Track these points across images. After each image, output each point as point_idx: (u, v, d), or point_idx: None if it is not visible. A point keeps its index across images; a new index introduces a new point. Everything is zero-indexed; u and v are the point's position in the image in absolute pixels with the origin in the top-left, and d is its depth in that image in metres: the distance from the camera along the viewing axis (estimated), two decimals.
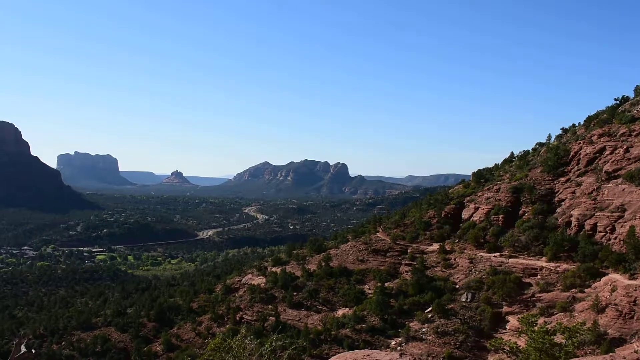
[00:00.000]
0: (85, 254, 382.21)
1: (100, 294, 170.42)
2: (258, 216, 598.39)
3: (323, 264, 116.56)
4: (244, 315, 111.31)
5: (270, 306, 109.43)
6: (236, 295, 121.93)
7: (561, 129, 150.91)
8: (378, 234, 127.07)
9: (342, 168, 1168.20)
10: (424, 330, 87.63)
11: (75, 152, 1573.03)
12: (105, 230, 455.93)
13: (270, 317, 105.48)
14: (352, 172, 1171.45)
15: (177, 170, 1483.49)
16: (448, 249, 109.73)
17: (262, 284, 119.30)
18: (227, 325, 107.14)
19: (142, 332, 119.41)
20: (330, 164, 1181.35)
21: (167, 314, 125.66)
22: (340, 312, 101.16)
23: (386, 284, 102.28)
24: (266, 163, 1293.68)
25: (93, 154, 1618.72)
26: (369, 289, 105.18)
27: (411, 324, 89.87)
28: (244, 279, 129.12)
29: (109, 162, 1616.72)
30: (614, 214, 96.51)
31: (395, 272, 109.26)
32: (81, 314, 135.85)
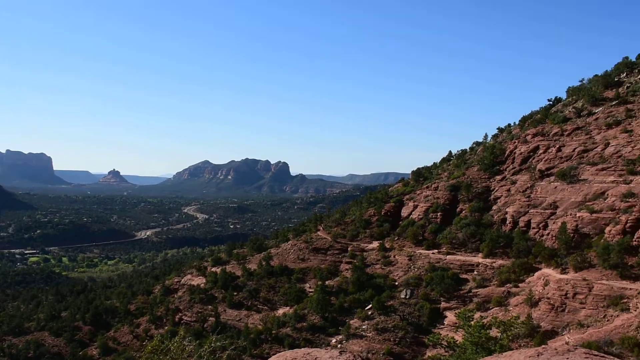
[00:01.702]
0: (17, 256, 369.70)
1: (33, 298, 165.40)
2: (198, 216, 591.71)
3: (264, 263, 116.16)
4: (183, 317, 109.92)
5: (210, 307, 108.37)
6: (175, 296, 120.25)
7: (497, 128, 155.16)
8: (319, 233, 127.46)
9: (283, 167, 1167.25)
10: (364, 327, 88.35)
11: (7, 151, 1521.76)
12: (38, 232, 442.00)
13: (210, 318, 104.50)
14: (293, 171, 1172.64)
15: (114, 169, 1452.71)
16: (388, 246, 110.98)
17: (202, 285, 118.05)
18: (166, 327, 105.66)
19: (78, 336, 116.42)
20: (272, 162, 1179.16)
21: (104, 316, 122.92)
22: (281, 311, 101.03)
23: (327, 282, 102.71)
24: (206, 162, 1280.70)
25: (26, 152, 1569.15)
26: (310, 287, 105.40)
27: (351, 322, 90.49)
28: (183, 280, 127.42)
29: (42, 161, 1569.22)
30: (546, 211, 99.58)
31: (336, 270, 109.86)
32: (13, 318, 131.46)
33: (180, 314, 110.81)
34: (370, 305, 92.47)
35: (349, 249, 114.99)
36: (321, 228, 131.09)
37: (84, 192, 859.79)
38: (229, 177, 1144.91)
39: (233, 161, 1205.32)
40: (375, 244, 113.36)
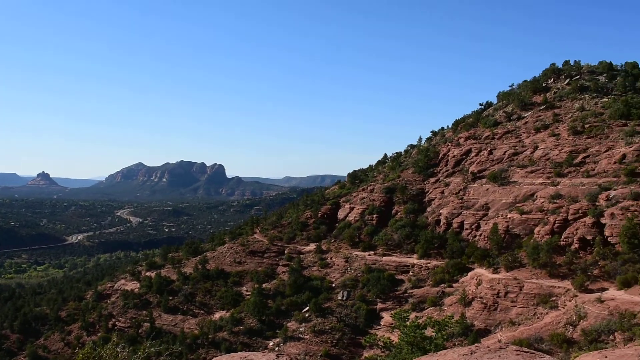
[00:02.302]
0: None
1: None
2: (131, 219, 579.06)
3: (199, 266, 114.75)
4: (116, 323, 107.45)
5: (144, 312, 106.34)
6: (108, 301, 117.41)
7: (431, 131, 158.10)
8: (255, 235, 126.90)
9: (219, 169, 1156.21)
10: (301, 329, 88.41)
11: None
12: None
13: (145, 323, 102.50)
14: (230, 173, 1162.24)
15: (43, 172, 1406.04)
16: (324, 248, 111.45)
17: (136, 289, 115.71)
18: (99, 334, 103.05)
19: (5, 345, 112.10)
20: (207, 165, 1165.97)
21: (33, 324, 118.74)
22: (217, 315, 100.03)
23: (264, 285, 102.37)
24: (140, 164, 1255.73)
25: None
26: (247, 290, 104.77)
27: (289, 324, 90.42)
28: (116, 285, 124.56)
29: None
30: (479, 212, 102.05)
31: (273, 273, 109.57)
32: None
33: (113, 320, 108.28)
34: (307, 308, 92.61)
35: (285, 251, 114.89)
36: (258, 231, 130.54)
37: (11, 195, 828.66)
38: (164, 179, 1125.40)
39: (168, 163, 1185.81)
40: (312, 246, 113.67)
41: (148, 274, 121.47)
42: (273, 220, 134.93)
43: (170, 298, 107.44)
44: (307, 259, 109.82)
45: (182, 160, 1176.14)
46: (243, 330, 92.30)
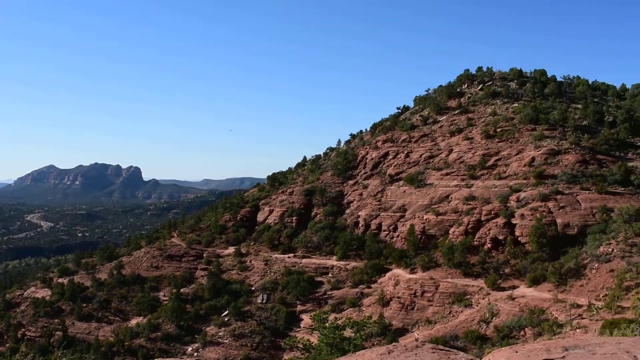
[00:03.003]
0: None
1: None
2: (42, 224, 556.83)
3: (115, 272, 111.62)
4: (26, 332, 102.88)
5: (56, 320, 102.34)
6: (17, 310, 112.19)
7: (350, 134, 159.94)
8: (173, 239, 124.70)
9: (135, 172, 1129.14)
10: (220, 334, 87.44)
11: None
12: None
13: (57, 332, 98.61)
14: (146, 176, 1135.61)
15: None
16: (244, 251, 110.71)
17: (48, 297, 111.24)
18: (7, 344, 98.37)
19: None
20: (123, 167, 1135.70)
21: None
22: (134, 322, 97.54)
23: (182, 290, 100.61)
24: (51, 166, 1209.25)
25: None
26: (164, 295, 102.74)
27: (208, 329, 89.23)
28: (26, 293, 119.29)
29: None
30: (396, 214, 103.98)
31: (191, 277, 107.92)
32: None
33: (23, 330, 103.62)
34: (226, 312, 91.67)
35: (204, 255, 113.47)
36: (175, 234, 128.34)
37: None
38: (77, 182, 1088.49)
39: (81, 166, 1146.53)
40: (232, 250, 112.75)
41: (60, 280, 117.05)
42: (191, 224, 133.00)
43: (84, 305, 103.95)
44: (226, 262, 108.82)
45: (96, 163, 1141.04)
46: (161, 336, 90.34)
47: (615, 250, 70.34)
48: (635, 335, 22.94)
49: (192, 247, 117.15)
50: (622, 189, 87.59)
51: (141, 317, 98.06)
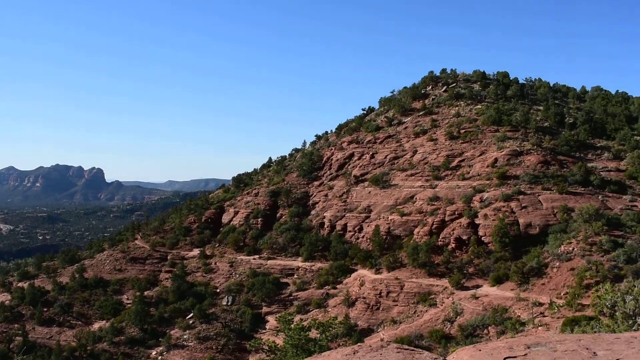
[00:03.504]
0: None
1: None
2: (2, 226, 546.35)
3: (77, 275, 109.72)
4: None
5: (16, 325, 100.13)
6: None
7: (315, 135, 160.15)
8: (136, 242, 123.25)
9: (98, 173, 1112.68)
10: (185, 337, 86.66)
11: None
12: None
13: (17, 337, 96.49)
14: (109, 177, 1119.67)
15: None
16: (209, 253, 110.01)
17: (7, 302, 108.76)
18: None
19: None
20: (85, 169, 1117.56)
21: None
22: (96, 326, 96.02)
23: (145, 293, 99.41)
24: (11, 168, 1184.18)
25: None
26: (128, 299, 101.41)
27: (172, 332, 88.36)
28: None
29: None
30: (361, 215, 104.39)
31: (155, 280, 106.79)
32: None
33: None
34: (191, 314, 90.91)
35: (168, 257, 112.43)
36: (139, 237, 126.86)
37: None
38: (37, 184, 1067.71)
39: (42, 167, 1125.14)
40: (196, 252, 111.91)
41: (20, 284, 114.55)
42: (155, 226, 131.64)
43: (45, 309, 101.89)
44: (191, 264, 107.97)
45: (57, 164, 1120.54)
46: (124, 340, 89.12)
47: (575, 249, 71.75)
48: (595, 332, 23.33)
49: (156, 249, 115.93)
50: (582, 189, 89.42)
51: (104, 321, 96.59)
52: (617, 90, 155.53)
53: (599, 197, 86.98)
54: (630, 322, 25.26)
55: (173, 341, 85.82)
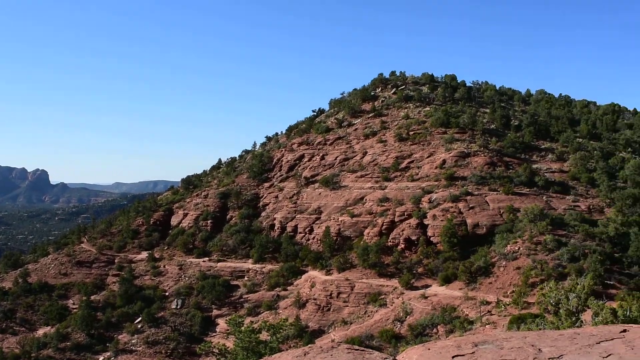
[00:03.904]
0: None
1: None
2: None
3: (20, 280, 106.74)
4: None
5: None
6: None
7: (265, 137, 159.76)
8: (83, 245, 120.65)
9: (42, 175, 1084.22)
10: (133, 341, 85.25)
11: None
12: None
13: None
14: (54, 179, 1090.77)
15: None
16: (157, 256, 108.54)
17: None
18: None
19: None
20: (29, 170, 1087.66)
21: None
22: (41, 332, 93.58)
23: (92, 297, 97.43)
24: None
25: None
26: (74, 303, 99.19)
27: (120, 337, 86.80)
28: None
29: None
30: (312, 216, 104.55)
31: (102, 284, 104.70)
32: None
33: None
34: (139, 318, 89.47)
35: (116, 260, 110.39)
36: (85, 240, 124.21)
37: None
38: None
39: None
40: (144, 254, 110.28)
41: None
42: (102, 229, 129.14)
43: None
44: (139, 267, 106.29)
45: None
46: (70, 346, 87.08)
47: (521, 248, 73.38)
48: (540, 329, 23.89)
49: (103, 252, 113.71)
50: (528, 189, 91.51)
51: (49, 327, 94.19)
52: (560, 94, 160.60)
53: (544, 197, 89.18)
54: (573, 319, 25.97)
55: (121, 346, 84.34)
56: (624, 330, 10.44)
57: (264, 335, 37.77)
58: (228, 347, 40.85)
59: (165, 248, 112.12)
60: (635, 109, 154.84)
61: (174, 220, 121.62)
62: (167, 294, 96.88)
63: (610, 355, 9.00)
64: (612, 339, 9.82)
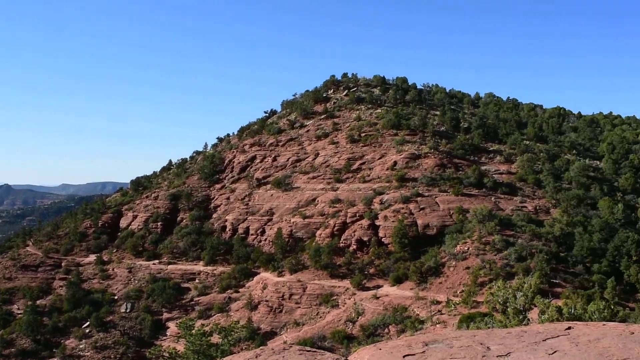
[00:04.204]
0: None
1: None
2: None
3: None
4: None
5: None
6: None
7: (217, 138, 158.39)
8: (28, 248, 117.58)
9: None
10: (81, 346, 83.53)
11: None
12: None
13: None
14: None
15: None
16: (106, 259, 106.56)
17: None
18: None
19: None
20: None
21: None
22: None
23: (38, 302, 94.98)
24: None
25: None
26: (19, 308, 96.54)
27: (67, 342, 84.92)
28: None
29: None
30: (263, 217, 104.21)
31: (49, 288, 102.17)
32: None
33: None
34: (87, 323, 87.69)
35: (63, 264, 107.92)
36: (31, 243, 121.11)
37: None
38: None
39: None
40: (93, 258, 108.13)
41: None
42: (48, 231, 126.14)
43: None
44: (87, 271, 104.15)
45: None
46: (15, 352, 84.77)
47: (470, 248, 74.67)
48: (489, 327, 24.31)
49: (50, 256, 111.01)
50: (476, 191, 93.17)
51: None
52: (508, 97, 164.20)
53: (492, 198, 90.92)
54: (520, 317, 26.51)
55: (68, 352, 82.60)
56: (569, 328, 10.69)
57: (216, 338, 37.43)
58: (179, 351, 40.32)
59: (114, 251, 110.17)
60: (579, 113, 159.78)
61: (123, 223, 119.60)
62: (116, 297, 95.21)
63: (555, 352, 9.19)
64: (557, 336, 10.03)
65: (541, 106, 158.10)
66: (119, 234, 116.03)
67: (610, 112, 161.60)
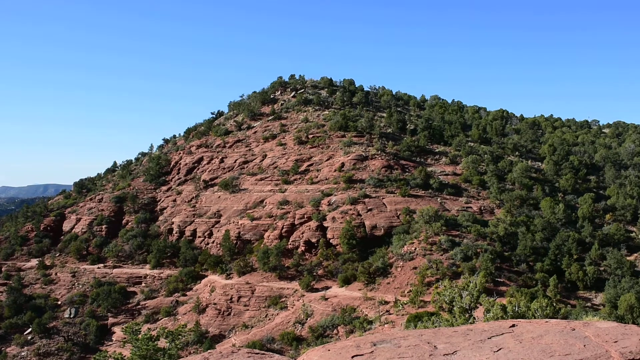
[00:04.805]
0: None
1: None
2: None
3: None
4: None
5: None
6: None
7: (163, 139, 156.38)
8: None
9: None
10: (23, 354, 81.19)
11: None
12: None
13: None
14: None
15: None
16: (48, 263, 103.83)
17: None
18: None
19: None
20: None
21: None
22: None
23: None
24: None
25: None
26: None
27: (9, 349, 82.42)
28: None
29: None
30: (211, 220, 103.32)
31: None
32: None
33: None
34: (30, 329, 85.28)
35: (3, 269, 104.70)
36: None
37: None
38: None
39: None
40: (34, 262, 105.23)
41: None
42: None
43: None
44: (29, 276, 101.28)
45: None
46: None
47: (417, 249, 75.66)
48: (436, 326, 24.71)
49: None
50: (423, 192, 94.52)
51: None
52: (453, 100, 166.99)
53: (438, 199, 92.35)
54: (466, 316, 27.04)
55: (10, 359, 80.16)
56: (513, 325, 10.96)
57: (163, 343, 36.92)
58: (125, 356, 39.65)
59: (57, 255, 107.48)
60: (522, 115, 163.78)
61: (66, 226, 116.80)
62: (59, 302, 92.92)
63: (500, 349, 9.42)
64: (502, 334, 10.28)
65: (485, 109, 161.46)
66: (62, 237, 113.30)
67: (551, 115, 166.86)
